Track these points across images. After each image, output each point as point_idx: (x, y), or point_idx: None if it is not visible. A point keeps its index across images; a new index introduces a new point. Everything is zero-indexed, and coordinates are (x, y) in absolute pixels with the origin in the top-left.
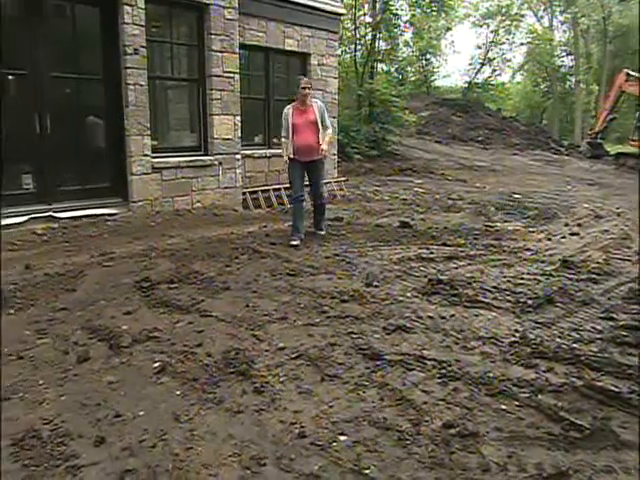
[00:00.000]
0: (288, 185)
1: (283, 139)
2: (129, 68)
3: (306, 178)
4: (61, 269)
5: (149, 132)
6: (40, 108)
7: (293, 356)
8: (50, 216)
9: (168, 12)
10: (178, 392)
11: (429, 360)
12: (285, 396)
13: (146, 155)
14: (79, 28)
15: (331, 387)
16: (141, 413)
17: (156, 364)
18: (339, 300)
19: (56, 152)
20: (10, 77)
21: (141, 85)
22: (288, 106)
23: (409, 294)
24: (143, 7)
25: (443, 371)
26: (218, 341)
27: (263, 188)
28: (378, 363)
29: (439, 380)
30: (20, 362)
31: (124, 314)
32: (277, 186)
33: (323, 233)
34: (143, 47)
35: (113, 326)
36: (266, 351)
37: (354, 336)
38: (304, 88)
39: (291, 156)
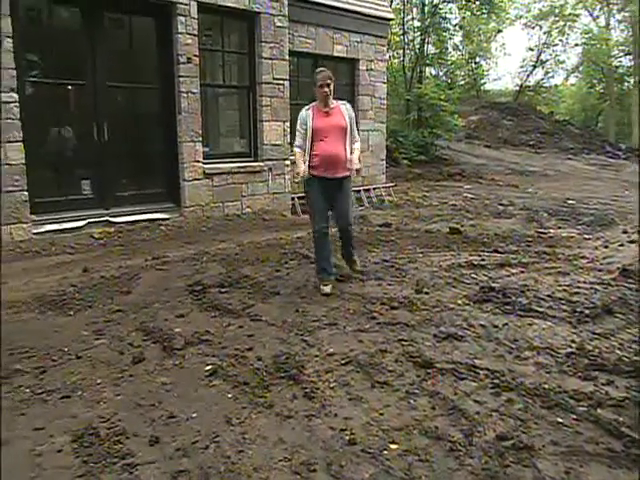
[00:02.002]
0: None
1: (297, 149)
2: (182, 76)
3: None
4: (117, 272)
5: (201, 139)
6: (98, 117)
7: (343, 362)
8: (107, 220)
9: (220, 21)
10: (230, 395)
11: (481, 369)
12: (335, 402)
13: (198, 161)
14: (135, 39)
15: (381, 394)
16: (194, 415)
17: (208, 367)
18: (389, 306)
19: (113, 159)
20: (69, 87)
21: (193, 93)
22: (306, 107)
23: (460, 301)
24: (196, 17)
25: (496, 381)
26: (268, 345)
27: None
28: (429, 371)
29: (492, 390)
30: (79, 361)
31: (177, 317)
32: None
33: (358, 267)
34: (196, 56)
35: (166, 328)
36: (316, 356)
37: (404, 343)
38: (321, 86)
39: (305, 173)
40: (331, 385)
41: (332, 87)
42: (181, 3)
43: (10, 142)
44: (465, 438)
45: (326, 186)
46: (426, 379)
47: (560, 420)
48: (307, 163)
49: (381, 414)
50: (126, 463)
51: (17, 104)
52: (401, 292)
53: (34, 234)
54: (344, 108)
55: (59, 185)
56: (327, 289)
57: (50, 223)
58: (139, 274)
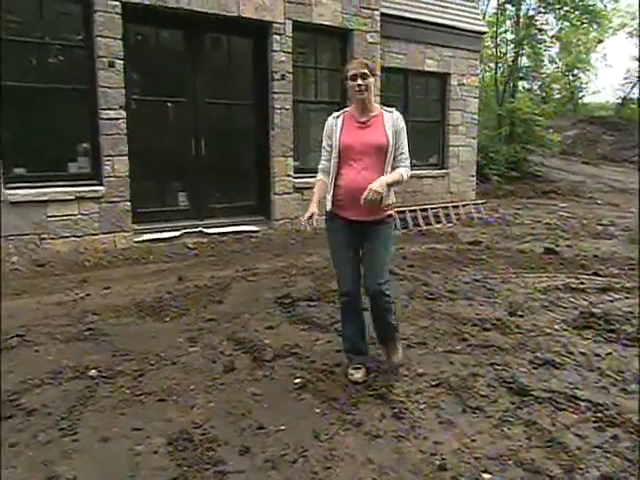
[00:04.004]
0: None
1: (318, 176)
2: (276, 93)
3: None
4: (209, 281)
5: (292, 153)
6: (196, 132)
7: (433, 383)
8: (200, 231)
9: (313, 38)
10: (318, 410)
11: (582, 401)
12: (425, 424)
13: (289, 175)
14: (232, 57)
15: (473, 420)
16: (283, 427)
17: (297, 380)
18: (480, 328)
19: (208, 172)
20: (170, 104)
21: (286, 109)
22: (335, 113)
23: (557, 326)
24: (291, 35)
25: (599, 415)
26: None
27: (399, 209)
28: (524, 399)
29: (595, 424)
30: (173, 367)
31: (266, 328)
32: (413, 207)
33: (399, 359)
34: (289, 72)
35: (256, 339)
36: (405, 376)
37: (497, 367)
38: (353, 77)
39: (315, 217)
40: (421, 407)
41: (371, 82)
42: (277, 22)
43: (118, 156)
44: (565, 474)
45: (353, 232)
46: (521, 407)
47: None
48: (330, 196)
49: (473, 440)
50: (217, 470)
51: (124, 120)
52: (493, 313)
53: (134, 242)
54: (389, 117)
55: (158, 196)
56: (355, 375)
57: (149, 232)
58: (230, 284)
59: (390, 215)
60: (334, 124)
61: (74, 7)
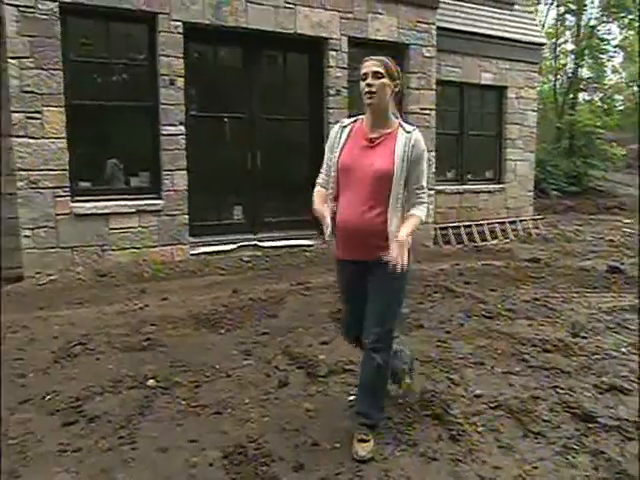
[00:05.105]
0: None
1: (316, 189)
2: (331, 108)
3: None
4: (263, 295)
5: None
6: (252, 147)
7: (492, 405)
8: (255, 245)
9: (369, 53)
10: None
11: None
12: (483, 448)
13: None
14: (288, 74)
15: (535, 445)
16: (337, 445)
17: (351, 397)
18: (541, 349)
19: (264, 186)
20: (226, 120)
21: None
22: (345, 121)
23: (624, 350)
24: (346, 51)
25: None
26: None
27: (454, 224)
28: (590, 425)
29: None
30: (228, 380)
31: (320, 344)
32: (468, 223)
33: (363, 454)
34: (345, 88)
35: (310, 354)
36: (462, 397)
37: (560, 391)
38: (364, 76)
39: (329, 228)
40: (478, 429)
41: (386, 85)
42: (333, 39)
43: (177, 170)
44: None
45: (356, 272)
46: (586, 434)
47: None
48: (330, 222)
49: (535, 467)
50: None
51: (184, 136)
52: (554, 334)
53: (191, 255)
54: (403, 139)
55: (215, 210)
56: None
57: (205, 245)
58: (284, 298)
59: (392, 258)
60: (338, 135)
61: (139, 28)
